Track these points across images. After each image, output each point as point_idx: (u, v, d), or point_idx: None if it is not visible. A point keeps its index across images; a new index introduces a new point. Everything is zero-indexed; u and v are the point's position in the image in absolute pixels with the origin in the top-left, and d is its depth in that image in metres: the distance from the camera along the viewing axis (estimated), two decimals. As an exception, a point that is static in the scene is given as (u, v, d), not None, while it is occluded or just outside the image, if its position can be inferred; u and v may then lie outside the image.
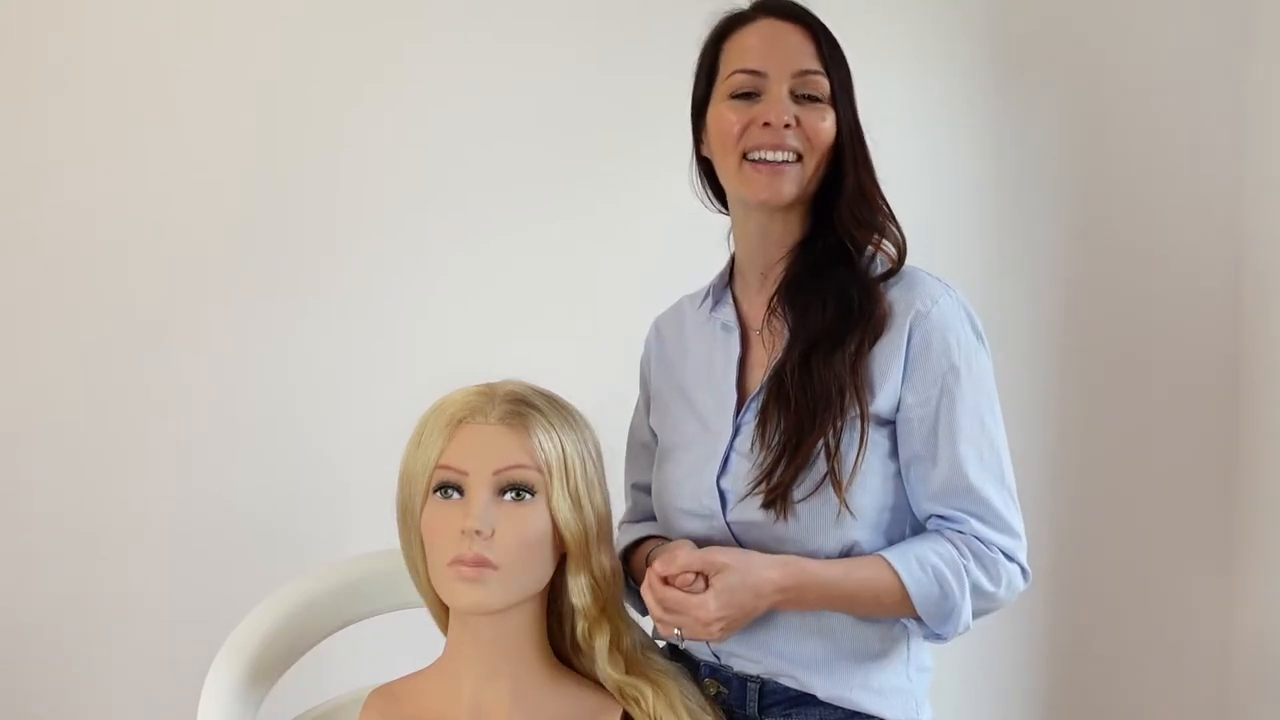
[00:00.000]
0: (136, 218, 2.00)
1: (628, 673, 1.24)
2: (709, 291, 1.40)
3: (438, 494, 1.19)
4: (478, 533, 1.15)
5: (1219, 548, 2.39)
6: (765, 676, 1.28)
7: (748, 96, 1.27)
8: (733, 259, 1.39)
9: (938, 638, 1.24)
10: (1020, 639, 2.37)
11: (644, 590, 1.21)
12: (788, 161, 1.26)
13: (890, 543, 1.26)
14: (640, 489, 1.46)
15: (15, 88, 1.96)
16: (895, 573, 1.20)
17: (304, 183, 2.06)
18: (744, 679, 1.29)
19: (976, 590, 1.21)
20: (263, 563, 1.91)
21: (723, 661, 1.30)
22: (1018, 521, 1.26)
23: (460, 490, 1.18)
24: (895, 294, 1.27)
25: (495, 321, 2.11)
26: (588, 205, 2.14)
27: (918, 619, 1.22)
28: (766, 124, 1.25)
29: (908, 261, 1.31)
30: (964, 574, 1.21)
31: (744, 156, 1.27)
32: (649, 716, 1.22)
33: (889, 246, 1.31)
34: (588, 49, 2.15)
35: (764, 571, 1.19)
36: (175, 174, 2.01)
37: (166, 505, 2.01)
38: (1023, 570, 1.25)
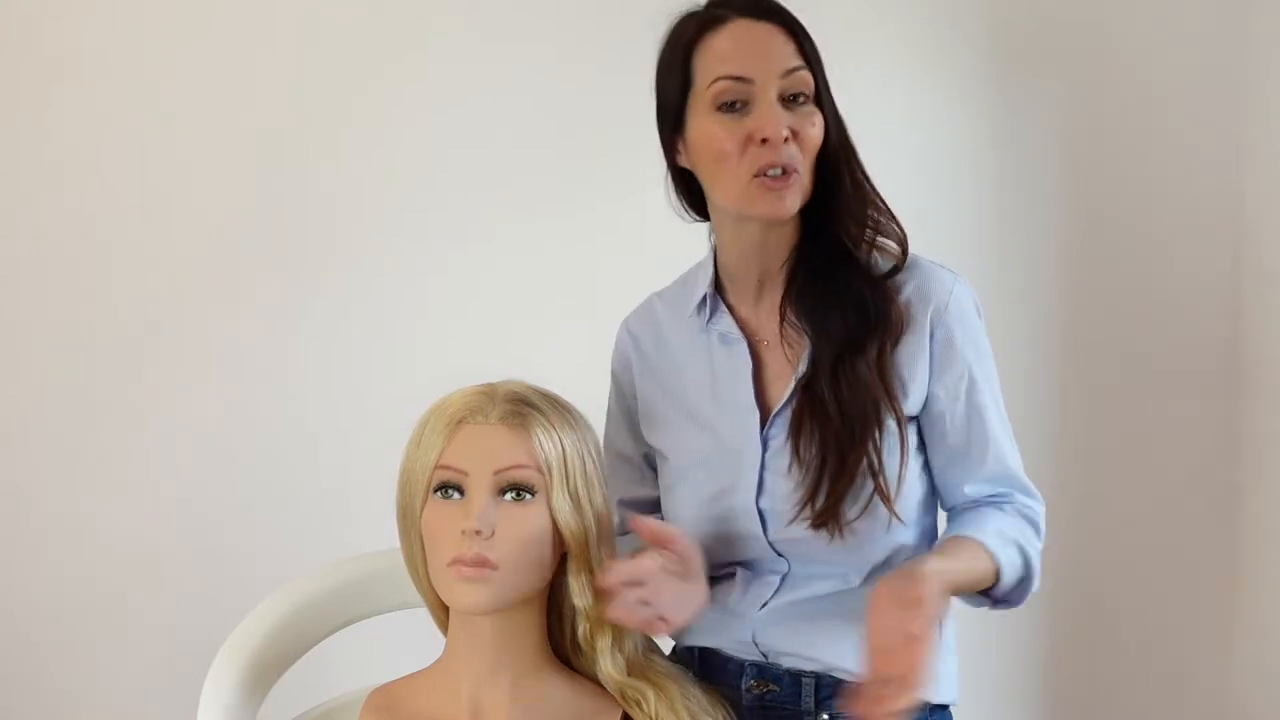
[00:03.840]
0: (133, 220, 2.00)
1: (629, 674, 1.24)
2: (703, 301, 1.33)
3: (438, 494, 1.19)
4: (478, 533, 1.15)
5: (1221, 547, 2.38)
6: (821, 672, 1.27)
7: (733, 108, 1.21)
8: (715, 266, 1.34)
9: (1006, 604, 1.27)
10: (1020, 638, 2.37)
11: None
12: (787, 174, 1.21)
13: (922, 533, 1.28)
14: (627, 504, 1.40)
15: (12, 89, 1.96)
16: (990, 554, 1.21)
17: (302, 183, 2.06)
18: (796, 675, 1.27)
19: (1039, 552, 1.27)
20: (262, 563, 1.90)
21: (770, 660, 1.29)
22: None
23: (460, 490, 1.18)
24: (910, 289, 1.26)
25: (495, 321, 2.11)
26: (588, 204, 2.14)
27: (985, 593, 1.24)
28: (765, 140, 1.20)
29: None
30: (1033, 540, 1.26)
31: (751, 175, 1.22)
32: (650, 718, 1.22)
33: (887, 242, 1.29)
34: (587, 48, 2.15)
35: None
36: (171, 175, 2.01)
37: (166, 505, 2.01)
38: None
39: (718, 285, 1.34)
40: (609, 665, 1.23)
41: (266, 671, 1.32)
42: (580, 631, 1.25)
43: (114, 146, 1.99)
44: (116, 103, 1.99)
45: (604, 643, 1.23)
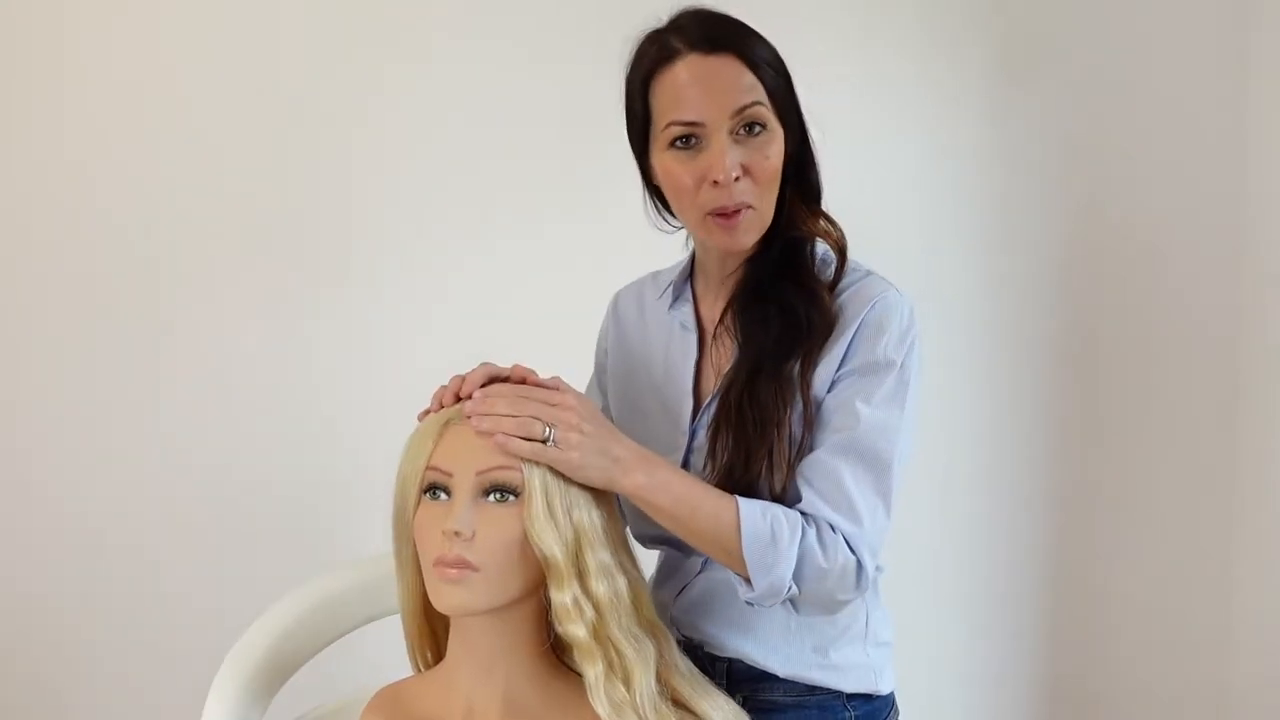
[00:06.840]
0: (143, 221, 2.04)
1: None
2: (670, 285, 1.41)
3: (427, 495, 1.19)
4: (457, 534, 1.14)
5: (1221, 546, 2.37)
6: (732, 657, 1.32)
7: (688, 143, 1.23)
8: (694, 255, 1.40)
9: (752, 594, 1.19)
10: (1021, 640, 2.32)
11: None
12: (740, 210, 1.23)
13: None
14: None
15: (26, 89, 2.00)
16: (736, 506, 1.17)
17: (319, 181, 2.09)
18: (712, 659, 1.34)
19: (807, 557, 1.17)
20: (280, 560, 1.93)
21: (693, 645, 1.35)
22: (870, 518, 1.20)
23: (447, 491, 1.18)
24: (843, 298, 1.26)
25: (495, 321, 2.12)
26: (599, 211, 2.12)
27: (743, 572, 1.18)
28: (716, 182, 1.22)
29: (887, 258, 1.33)
30: (799, 535, 1.17)
31: (704, 213, 1.25)
32: None
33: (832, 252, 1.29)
34: (588, 49, 2.13)
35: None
36: (188, 171, 2.05)
37: (174, 505, 2.05)
38: (859, 565, 1.19)
39: (692, 276, 1.39)
40: (603, 699, 1.16)
41: (275, 673, 1.34)
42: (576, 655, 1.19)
43: (129, 148, 2.03)
44: (131, 104, 2.03)
45: (594, 672, 1.17)
